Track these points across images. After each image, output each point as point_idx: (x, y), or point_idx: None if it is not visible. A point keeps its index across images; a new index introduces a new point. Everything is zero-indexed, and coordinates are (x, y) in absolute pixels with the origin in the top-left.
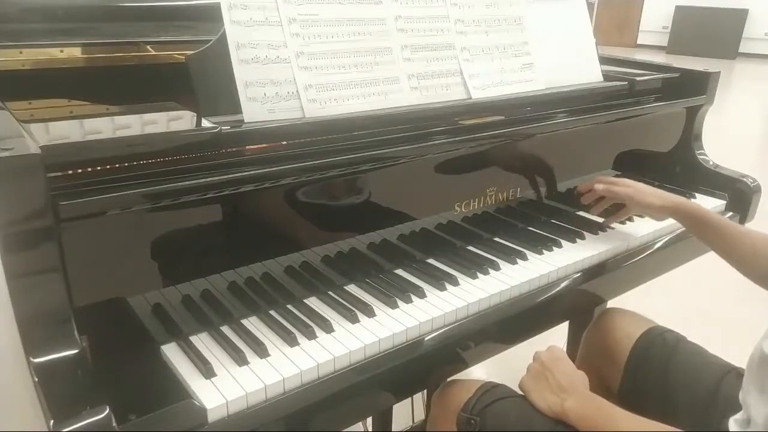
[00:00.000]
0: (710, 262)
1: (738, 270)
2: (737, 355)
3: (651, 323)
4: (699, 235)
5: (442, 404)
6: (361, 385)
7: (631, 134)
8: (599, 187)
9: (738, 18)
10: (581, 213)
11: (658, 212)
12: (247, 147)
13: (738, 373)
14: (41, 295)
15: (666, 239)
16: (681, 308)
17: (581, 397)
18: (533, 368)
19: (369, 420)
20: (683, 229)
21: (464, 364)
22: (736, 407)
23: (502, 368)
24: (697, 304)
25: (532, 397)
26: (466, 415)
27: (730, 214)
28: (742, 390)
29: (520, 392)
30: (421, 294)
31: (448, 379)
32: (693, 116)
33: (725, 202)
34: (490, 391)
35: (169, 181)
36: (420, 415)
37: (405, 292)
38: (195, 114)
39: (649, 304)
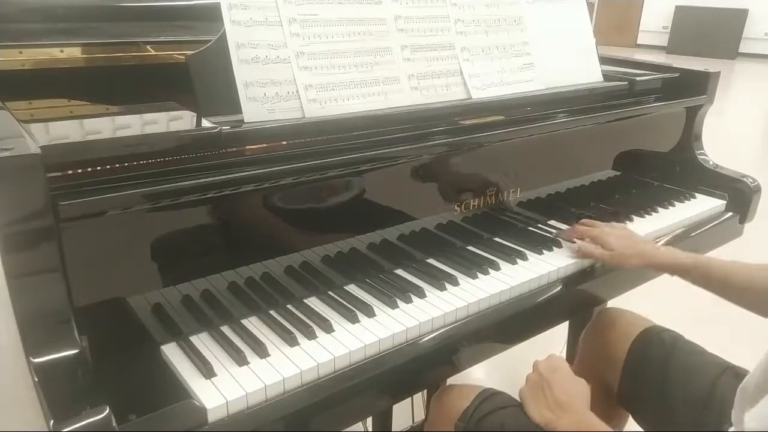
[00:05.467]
0: None
1: (736, 304)
2: (737, 355)
3: (648, 323)
4: (690, 281)
5: (439, 409)
6: (361, 385)
7: (631, 134)
8: (578, 245)
9: (738, 18)
10: (581, 213)
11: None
12: (247, 147)
13: (735, 372)
14: (41, 295)
15: (666, 239)
16: (681, 308)
17: (577, 418)
18: (531, 379)
19: (369, 420)
20: (683, 229)
21: (464, 364)
22: (732, 407)
23: (502, 369)
24: (697, 304)
25: (529, 409)
26: (463, 425)
27: (730, 214)
28: (734, 410)
29: (518, 399)
30: (421, 294)
31: (447, 384)
32: (693, 116)
33: (725, 202)
34: (489, 399)
35: (169, 181)
36: (420, 415)
37: (405, 292)
38: (195, 114)
39: (649, 303)
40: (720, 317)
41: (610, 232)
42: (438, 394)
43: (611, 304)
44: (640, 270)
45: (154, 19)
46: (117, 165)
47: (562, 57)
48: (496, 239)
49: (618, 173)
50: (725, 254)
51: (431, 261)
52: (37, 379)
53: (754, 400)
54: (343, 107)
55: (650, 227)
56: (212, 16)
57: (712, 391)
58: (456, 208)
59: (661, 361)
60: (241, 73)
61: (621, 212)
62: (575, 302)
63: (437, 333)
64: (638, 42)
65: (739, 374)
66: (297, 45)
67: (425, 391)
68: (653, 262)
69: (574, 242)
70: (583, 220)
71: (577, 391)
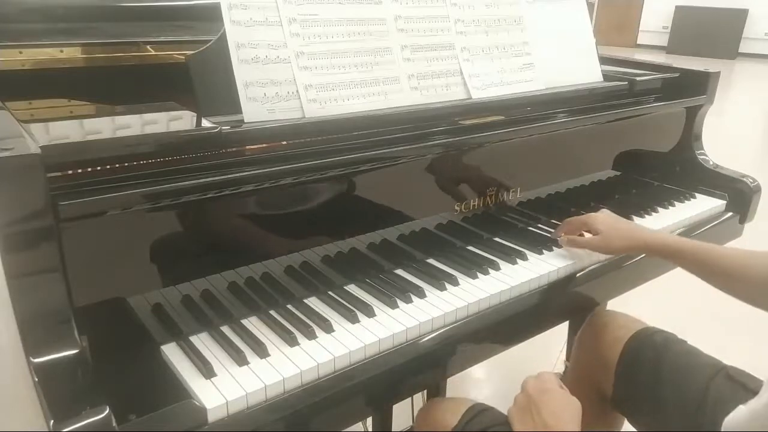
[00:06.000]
0: None
1: (724, 291)
2: (736, 355)
3: (641, 324)
4: (678, 265)
5: (426, 426)
6: (361, 385)
7: (631, 134)
8: (564, 240)
9: (738, 18)
10: (581, 214)
11: (626, 254)
12: (247, 147)
13: (727, 373)
14: (41, 295)
15: None
16: (680, 308)
17: None
18: (519, 400)
19: (369, 420)
20: (683, 229)
21: (464, 364)
22: (726, 408)
23: (501, 369)
24: (695, 304)
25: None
26: None
27: (730, 214)
28: None
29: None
30: (421, 294)
31: (433, 399)
32: (693, 116)
33: (725, 202)
34: (478, 416)
35: (169, 181)
36: None
37: (405, 292)
38: (195, 114)
39: (648, 304)
40: (719, 317)
41: (596, 215)
42: (424, 409)
43: (611, 303)
44: (640, 270)
45: (154, 19)
46: (117, 165)
47: (562, 57)
48: (496, 239)
49: (618, 173)
50: None
51: (431, 261)
52: (37, 379)
53: None
54: (343, 107)
55: (650, 227)
56: (212, 16)
57: (706, 393)
58: (456, 208)
59: (653, 363)
60: (241, 73)
61: (621, 212)
62: (575, 302)
63: (437, 333)
64: (638, 42)
65: (732, 375)
66: (297, 45)
67: (425, 391)
68: (641, 244)
69: (562, 236)
70: (567, 222)
71: (567, 415)
